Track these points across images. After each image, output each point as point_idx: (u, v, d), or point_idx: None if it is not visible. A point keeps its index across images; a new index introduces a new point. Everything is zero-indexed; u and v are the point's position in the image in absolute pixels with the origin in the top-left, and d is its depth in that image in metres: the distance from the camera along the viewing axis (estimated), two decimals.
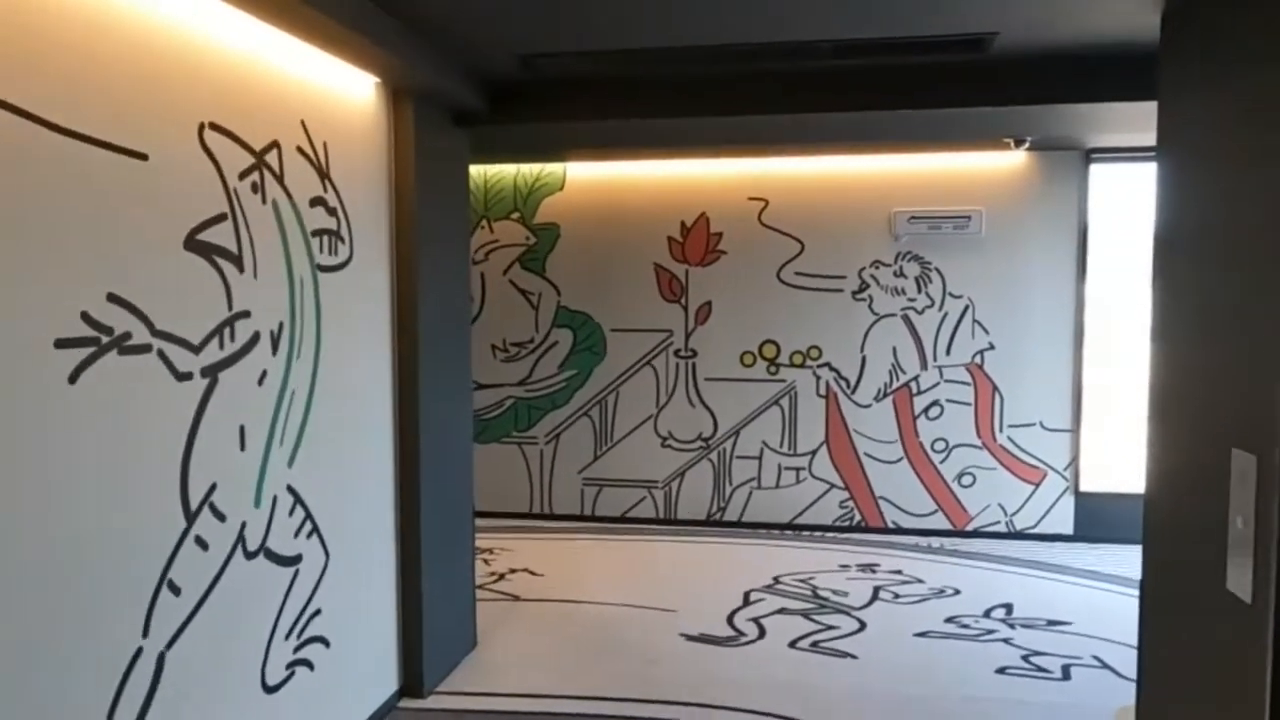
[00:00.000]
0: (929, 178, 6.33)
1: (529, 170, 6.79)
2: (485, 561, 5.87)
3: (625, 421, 6.80)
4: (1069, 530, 6.35)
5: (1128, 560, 5.87)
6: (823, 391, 6.55)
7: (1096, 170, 6.20)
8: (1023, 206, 6.26)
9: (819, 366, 6.54)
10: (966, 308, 6.36)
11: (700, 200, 6.60)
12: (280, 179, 3.00)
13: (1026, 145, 5.71)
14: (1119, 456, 6.37)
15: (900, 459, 6.50)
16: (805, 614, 4.96)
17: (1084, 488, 6.35)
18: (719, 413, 6.68)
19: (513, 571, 5.69)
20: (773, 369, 6.59)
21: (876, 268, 6.43)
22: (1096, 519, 6.31)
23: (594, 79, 4.07)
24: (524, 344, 6.89)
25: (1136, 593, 5.54)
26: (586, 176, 6.72)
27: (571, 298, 6.81)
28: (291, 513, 3.08)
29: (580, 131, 5.26)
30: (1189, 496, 2.36)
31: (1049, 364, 6.30)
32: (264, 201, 2.91)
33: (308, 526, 3.17)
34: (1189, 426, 2.38)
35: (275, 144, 2.98)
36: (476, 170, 6.82)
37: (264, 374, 2.91)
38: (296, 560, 3.11)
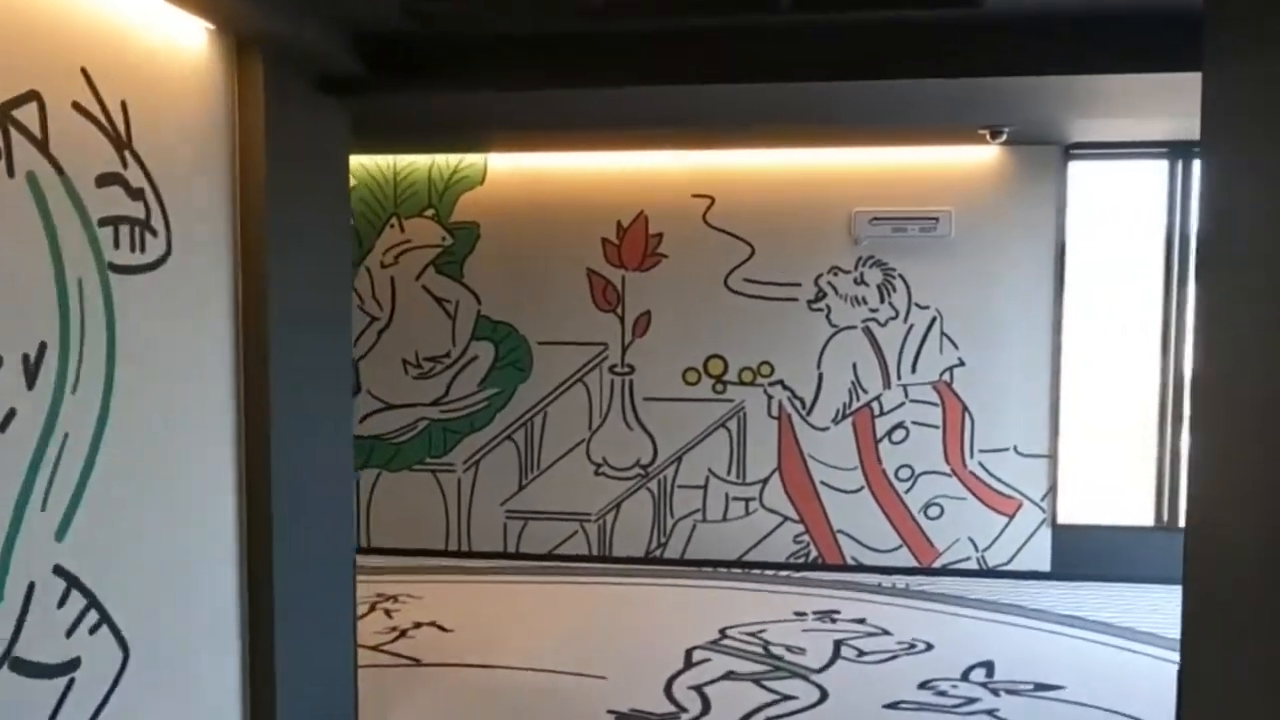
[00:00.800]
0: (893, 174, 5.66)
1: (445, 162, 5.99)
2: (387, 614, 5.05)
3: (554, 447, 6.02)
4: (1046, 567, 5.71)
5: (1111, 601, 5.25)
6: (775, 412, 5.84)
7: (1076, 169, 5.59)
8: (996, 207, 5.62)
9: (771, 385, 5.83)
10: (934, 320, 5.70)
11: (639, 197, 5.85)
12: (43, 145, 2.19)
13: (1004, 138, 5.07)
14: (1099, 484, 5.76)
15: (861, 488, 5.81)
16: (757, 679, 4.23)
17: (1062, 519, 5.73)
18: (659, 436, 5.94)
19: (417, 626, 4.87)
20: (719, 387, 5.87)
21: (835, 274, 5.75)
22: (1076, 554, 5.68)
23: (500, 36, 3.30)
24: (439, 358, 6.08)
25: (1125, 643, 5.02)
26: (510, 169, 5.94)
27: (493, 307, 6.02)
28: (62, 603, 2.26)
29: (495, 111, 4.49)
30: (1244, 520, 1.89)
31: (1024, 382, 5.67)
32: (9, 174, 2.10)
33: (91, 618, 2.35)
34: (1249, 440, 1.92)
35: (34, 95, 2.16)
36: (385, 161, 6.01)
37: (9, 415, 2.09)
38: (70, 667, 2.29)
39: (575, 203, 5.90)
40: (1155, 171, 5.55)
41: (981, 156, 5.59)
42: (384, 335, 6.08)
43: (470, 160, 5.96)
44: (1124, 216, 5.59)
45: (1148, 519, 5.68)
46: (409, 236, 6.04)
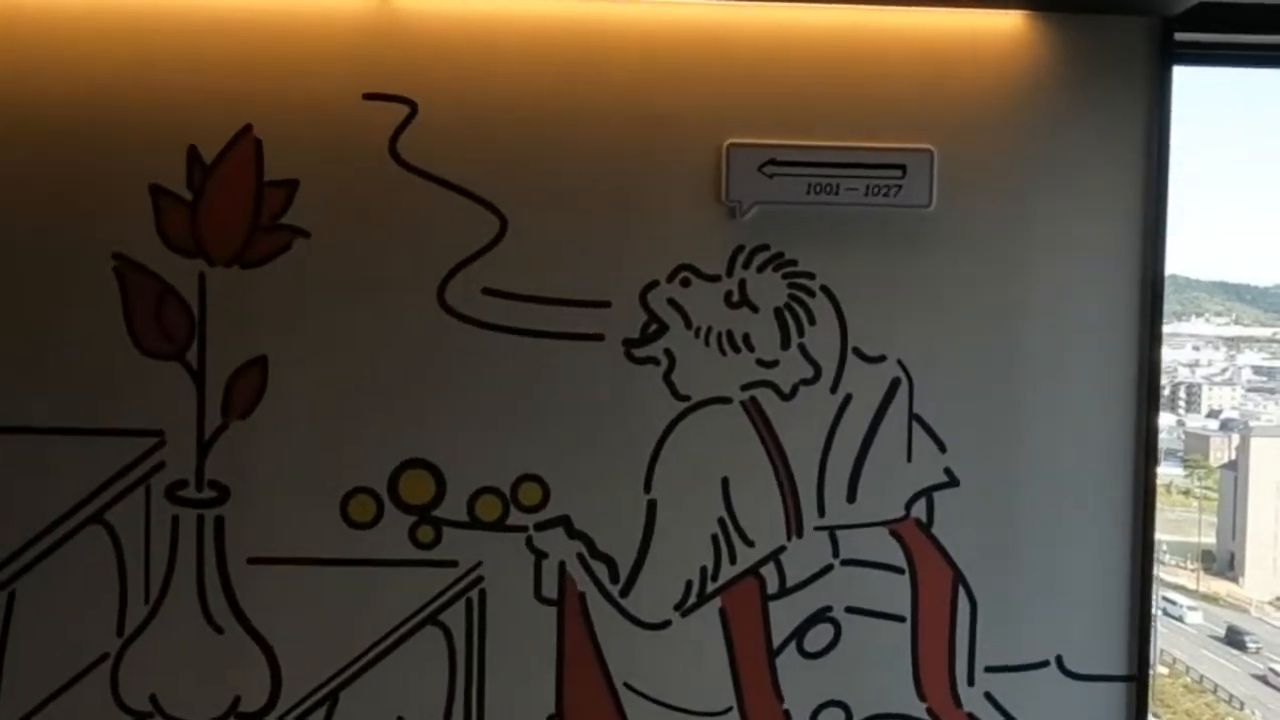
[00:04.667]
0: (813, 69, 2.61)
1: None
2: None
3: (39, 678, 2.54)
4: None
5: None
6: (551, 591, 2.60)
7: (1186, 78, 2.70)
8: (1024, 148, 2.65)
9: (543, 528, 2.59)
10: (895, 385, 2.64)
11: (240, 95, 2.53)
12: None
13: None
14: None
15: None
16: None
17: None
18: (285, 649, 2.57)
19: None
20: (426, 534, 2.58)
21: (685, 284, 2.61)
22: None
23: None
24: None
25: None
26: None
27: None
28: None
29: None
30: None
31: (1080, 519, 2.68)
32: None
33: None
34: None
35: None
36: None
37: None
38: None
39: (90, 105, 2.51)
40: None
41: (995, 39, 2.63)
42: None
43: None
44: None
45: None
46: None
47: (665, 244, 2.60)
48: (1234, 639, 21.14)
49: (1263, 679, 19.44)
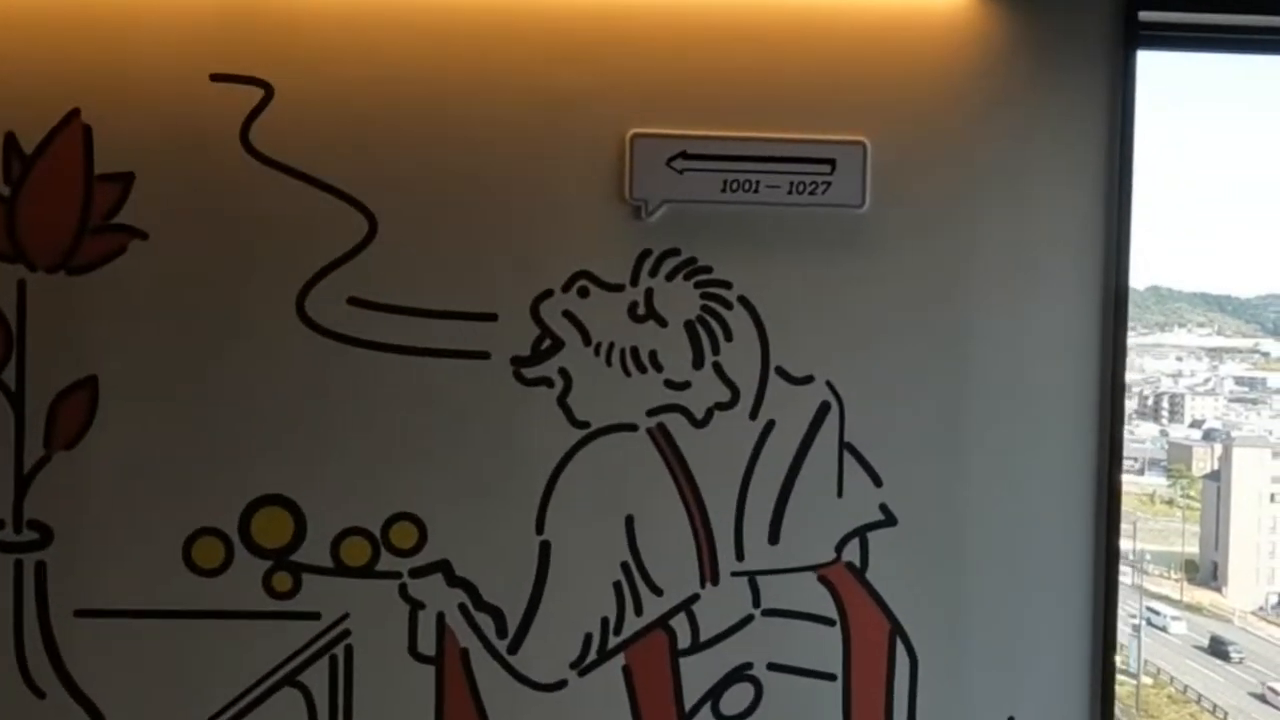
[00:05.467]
0: (735, 52, 2.29)
1: None
2: None
3: None
4: None
5: None
6: (429, 647, 2.26)
7: (1151, 64, 2.39)
8: (969, 138, 2.34)
9: (419, 575, 2.25)
10: (824, 410, 2.31)
11: (63, 74, 2.19)
12: None
13: None
14: None
15: None
16: None
17: None
18: (117, 714, 2.22)
19: None
20: (285, 581, 2.23)
21: (583, 295, 2.27)
22: None
23: None
24: None
25: None
26: None
27: None
28: None
29: None
30: None
31: (1035, 560, 2.36)
32: None
33: None
34: None
35: None
36: None
37: None
38: None
39: None
40: None
41: (938, 19, 2.31)
42: None
43: None
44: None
45: None
46: None
47: (560, 248, 2.26)
48: (1217, 649, 21.04)
49: (1261, 698, 19.30)
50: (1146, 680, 20.05)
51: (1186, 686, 20.36)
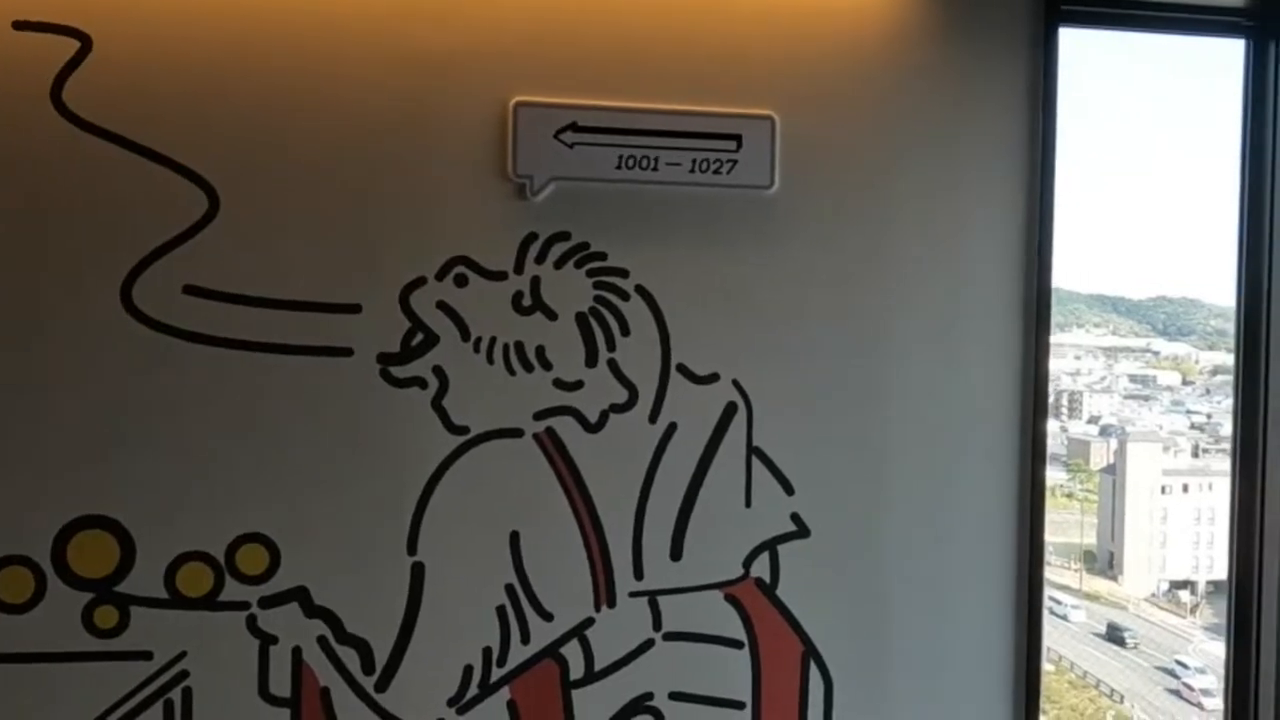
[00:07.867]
0: (633, 14, 2.05)
1: None
2: None
3: None
4: None
5: None
6: (283, 688, 1.97)
7: (1073, 41, 2.23)
8: (886, 115, 2.15)
9: (271, 605, 1.96)
10: (730, 411, 2.10)
11: None
12: None
13: None
14: None
15: None
16: None
17: None
18: None
19: None
20: (110, 616, 1.92)
21: (461, 283, 2.01)
22: None
23: None
24: None
25: None
26: None
27: None
28: None
29: None
30: None
31: (957, 572, 2.19)
32: None
33: None
34: None
35: None
36: None
37: None
38: None
39: None
40: (1230, 55, 2.34)
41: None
42: None
43: None
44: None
45: None
46: None
47: (434, 231, 2.00)
48: (1114, 635, 21.77)
49: (1176, 693, 20.05)
50: (1049, 667, 20.63)
51: (1086, 672, 21.04)
